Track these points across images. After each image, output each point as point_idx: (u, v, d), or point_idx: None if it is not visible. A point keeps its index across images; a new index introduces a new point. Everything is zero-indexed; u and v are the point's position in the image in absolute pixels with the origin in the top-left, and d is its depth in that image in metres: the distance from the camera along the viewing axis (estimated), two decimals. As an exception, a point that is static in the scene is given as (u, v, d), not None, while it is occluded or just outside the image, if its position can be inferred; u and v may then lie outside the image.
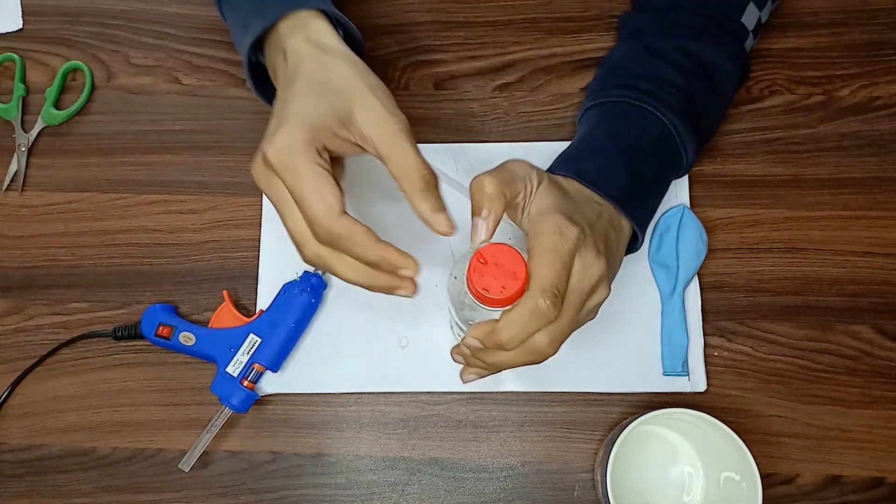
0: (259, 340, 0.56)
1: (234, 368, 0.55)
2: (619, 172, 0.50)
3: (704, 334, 0.57)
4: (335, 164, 0.47)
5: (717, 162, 0.61)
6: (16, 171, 0.63)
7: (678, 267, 0.57)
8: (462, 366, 0.48)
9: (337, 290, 0.59)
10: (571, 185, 0.49)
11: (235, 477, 0.57)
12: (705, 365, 0.57)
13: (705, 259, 0.58)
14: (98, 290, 0.60)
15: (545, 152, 0.55)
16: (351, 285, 0.45)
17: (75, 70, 0.65)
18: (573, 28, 0.65)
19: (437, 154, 0.61)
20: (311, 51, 0.46)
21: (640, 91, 0.53)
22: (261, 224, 0.61)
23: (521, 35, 0.65)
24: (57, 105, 0.64)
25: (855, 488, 0.55)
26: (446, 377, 0.57)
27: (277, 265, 0.59)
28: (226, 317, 0.57)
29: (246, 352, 0.56)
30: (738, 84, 0.59)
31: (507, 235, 0.45)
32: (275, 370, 0.56)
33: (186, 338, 0.56)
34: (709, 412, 0.49)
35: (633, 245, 0.53)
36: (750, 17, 0.57)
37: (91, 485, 0.57)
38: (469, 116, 0.63)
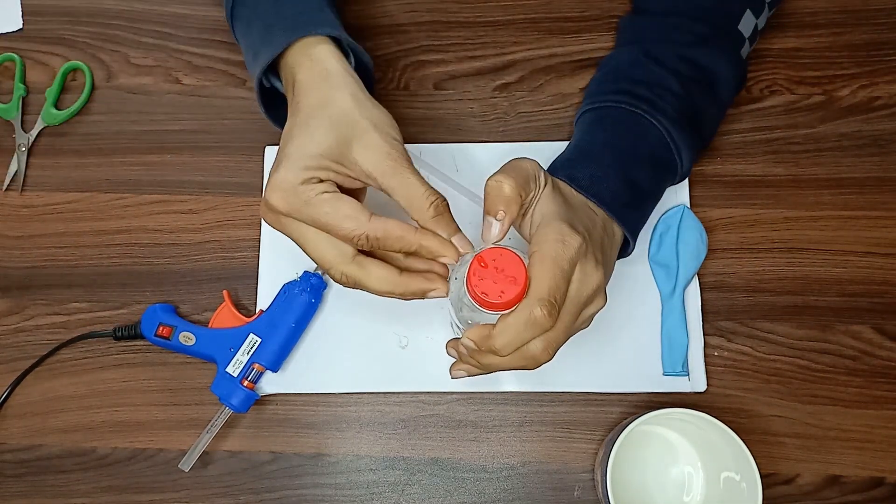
0: (259, 340, 0.56)
1: (234, 368, 0.55)
2: (614, 179, 0.50)
3: (704, 334, 0.57)
4: (358, 192, 0.47)
5: (717, 162, 0.61)
6: (16, 171, 0.63)
7: (678, 267, 0.57)
8: (454, 360, 0.48)
9: (337, 291, 0.59)
10: (567, 189, 0.49)
11: (235, 477, 0.57)
12: (705, 365, 0.57)
13: (705, 259, 0.58)
14: (98, 290, 0.60)
15: (545, 152, 0.55)
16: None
17: (75, 70, 0.65)
18: (573, 28, 0.65)
19: (437, 154, 0.61)
20: (314, 81, 0.47)
21: (638, 97, 0.53)
22: (261, 224, 0.61)
23: (521, 35, 0.65)
24: (57, 105, 0.64)
25: (855, 488, 0.55)
26: (446, 377, 0.56)
27: (277, 265, 0.59)
28: (226, 317, 0.57)
29: (246, 352, 0.56)
30: (735, 92, 0.59)
31: (507, 235, 0.45)
32: (275, 370, 0.56)
33: (186, 338, 0.56)
34: (709, 412, 0.49)
35: (623, 250, 0.53)
36: (747, 24, 0.57)
37: (91, 485, 0.57)
38: (469, 116, 0.63)
